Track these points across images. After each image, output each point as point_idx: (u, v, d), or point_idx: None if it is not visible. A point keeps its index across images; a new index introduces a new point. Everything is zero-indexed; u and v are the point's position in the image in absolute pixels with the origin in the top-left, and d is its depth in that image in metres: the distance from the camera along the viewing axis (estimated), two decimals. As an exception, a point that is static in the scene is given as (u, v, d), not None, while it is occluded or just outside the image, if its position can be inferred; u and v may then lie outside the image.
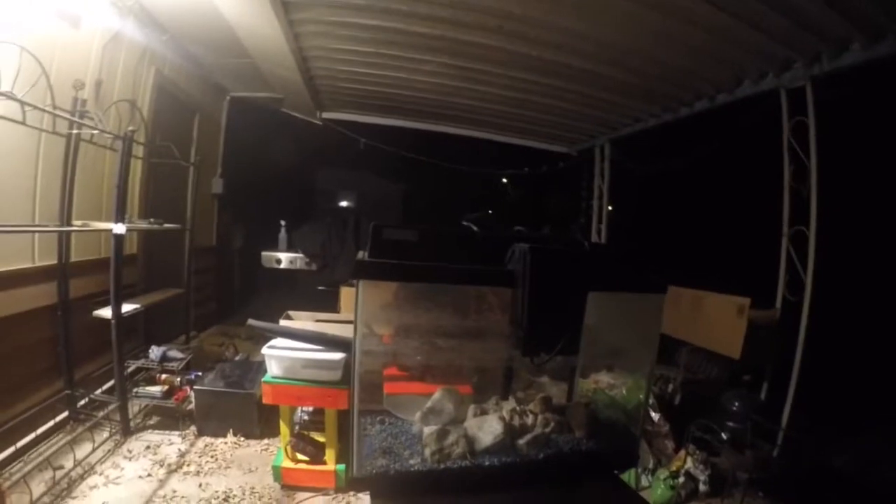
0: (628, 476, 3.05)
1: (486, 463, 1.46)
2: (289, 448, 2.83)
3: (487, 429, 1.56)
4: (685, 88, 4.00)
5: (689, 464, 3.00)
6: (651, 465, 3.13)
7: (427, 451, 1.45)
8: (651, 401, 3.40)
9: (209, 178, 5.95)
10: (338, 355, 2.68)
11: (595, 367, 2.22)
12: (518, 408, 1.71)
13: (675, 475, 2.95)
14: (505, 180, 7.98)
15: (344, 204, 7.57)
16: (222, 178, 6.15)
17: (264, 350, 2.76)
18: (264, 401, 2.82)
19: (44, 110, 2.55)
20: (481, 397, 1.75)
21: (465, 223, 1.61)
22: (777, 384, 3.29)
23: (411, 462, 1.44)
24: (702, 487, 2.95)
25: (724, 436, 2.91)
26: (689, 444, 3.05)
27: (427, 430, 1.53)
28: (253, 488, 2.75)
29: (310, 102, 5.63)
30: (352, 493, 2.63)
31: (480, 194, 7.78)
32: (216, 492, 2.67)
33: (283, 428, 2.91)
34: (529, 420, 1.67)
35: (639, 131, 5.06)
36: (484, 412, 1.67)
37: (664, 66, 3.62)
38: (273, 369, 2.77)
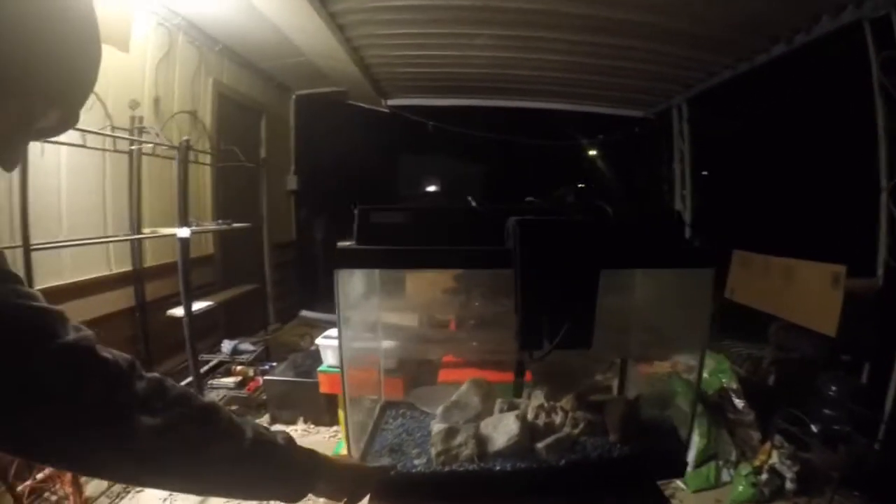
0: (707, 470, 2.78)
1: (497, 468, 1.33)
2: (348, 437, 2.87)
3: (502, 429, 1.42)
4: (759, 33, 3.53)
5: (775, 458, 2.66)
6: (733, 458, 2.83)
7: (433, 452, 1.36)
8: (734, 385, 3.07)
9: (283, 176, 6.21)
10: (387, 343, 2.66)
11: (650, 354, 1.98)
12: (546, 405, 1.54)
13: (758, 471, 2.64)
14: (593, 152, 7.60)
15: (431, 189, 7.62)
16: (296, 174, 6.38)
17: (318, 340, 2.81)
18: (321, 390, 2.88)
19: (98, 133, 2.75)
20: (543, 389, 1.58)
21: (527, 199, 1.43)
22: (880, 366, 2.81)
23: (416, 462, 1.35)
24: (788, 485, 2.61)
25: (813, 428, 2.55)
26: (776, 437, 2.71)
27: (435, 427, 1.43)
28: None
29: (372, 91, 5.67)
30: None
31: (568, 169, 7.46)
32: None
33: (342, 416, 2.95)
34: (558, 419, 1.50)
35: (715, 86, 4.56)
36: (512, 408, 1.54)
37: (733, 9, 3.20)
38: (328, 359, 2.81)
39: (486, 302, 1.60)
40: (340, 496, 1.05)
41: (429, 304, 1.97)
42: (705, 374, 3.11)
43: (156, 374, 0.73)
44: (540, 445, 1.39)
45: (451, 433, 1.40)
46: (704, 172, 5.65)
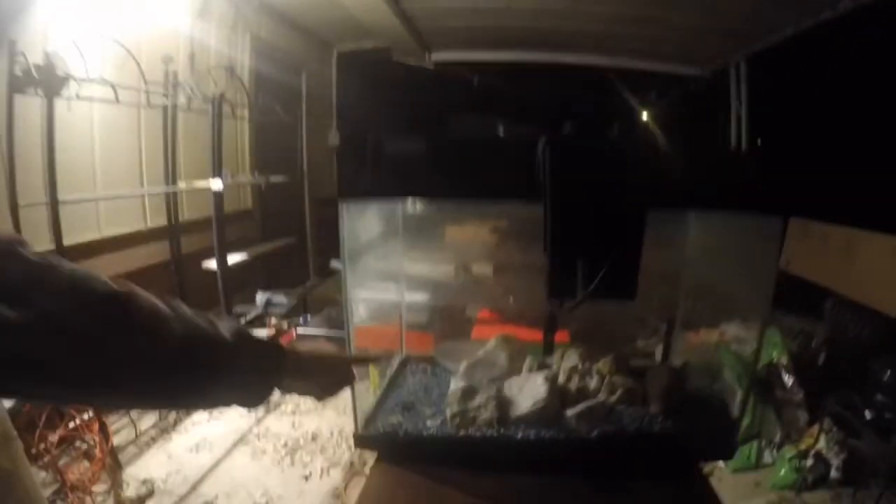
0: (749, 450, 2.63)
1: (519, 435, 1.21)
2: (377, 390, 2.86)
3: (528, 391, 1.30)
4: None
5: (822, 443, 2.48)
6: (777, 439, 2.66)
7: (448, 413, 1.26)
8: (785, 361, 2.87)
9: (326, 132, 6.16)
10: (422, 296, 2.59)
11: (706, 318, 1.81)
12: (581, 367, 1.41)
13: (803, 455, 2.46)
14: (646, 113, 7.22)
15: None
16: (338, 130, 6.32)
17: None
18: (357, 345, 2.85)
19: (130, 87, 2.74)
20: (578, 349, 1.44)
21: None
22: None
23: (428, 423, 1.27)
24: (833, 473, 2.43)
25: (867, 415, 2.35)
26: (825, 420, 2.53)
27: (453, 385, 1.34)
28: (342, 430, 2.84)
29: (416, 46, 5.49)
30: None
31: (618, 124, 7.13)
32: (306, 431, 2.81)
33: (373, 371, 2.94)
34: (593, 384, 1.37)
35: (776, 44, 4.18)
36: (543, 368, 1.42)
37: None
38: (360, 313, 2.77)
39: (528, 253, 1.46)
40: (311, 390, 0.86)
41: (466, 255, 1.85)
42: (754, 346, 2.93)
43: (48, 257, 0.56)
44: (570, 413, 1.26)
45: (469, 393, 1.30)
46: (761, 135, 5.25)
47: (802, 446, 2.53)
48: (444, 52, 5.83)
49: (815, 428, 2.54)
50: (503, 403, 1.30)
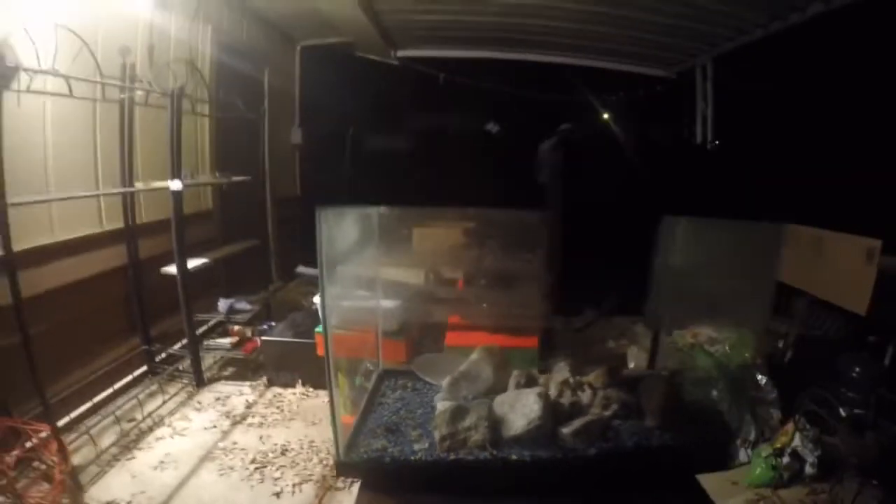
0: (724, 449, 2.65)
1: (513, 457, 1.15)
2: (347, 402, 2.76)
3: (521, 408, 1.25)
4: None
5: (797, 441, 2.51)
6: (752, 438, 2.69)
7: (436, 435, 1.19)
8: (758, 360, 2.91)
9: (288, 130, 5.97)
10: (393, 303, 2.50)
11: (686, 319, 1.79)
12: (572, 380, 1.37)
13: (778, 453, 2.49)
14: (612, 111, 7.29)
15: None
16: (301, 127, 6.14)
17: (316, 299, 2.65)
18: (318, 352, 2.75)
19: (85, 80, 2.54)
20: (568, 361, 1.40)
21: (563, 127, 1.20)
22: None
23: (415, 447, 1.19)
24: (808, 470, 2.47)
25: (842, 412, 2.39)
26: (799, 418, 2.56)
27: (440, 406, 1.27)
28: (312, 442, 2.72)
29: (381, 42, 5.38)
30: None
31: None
32: (275, 444, 2.68)
33: (342, 379, 2.84)
34: (585, 397, 1.33)
35: (744, 45, 4.27)
36: (532, 382, 1.37)
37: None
38: (330, 319, 2.66)
39: (502, 257, 1.43)
40: None
41: (435, 259, 1.80)
42: (727, 348, 2.95)
43: None
44: (565, 430, 1.22)
45: (458, 413, 1.24)
46: (729, 136, 5.35)
47: (777, 444, 2.55)
48: (410, 49, 5.75)
49: (790, 426, 2.57)
50: (495, 423, 1.24)
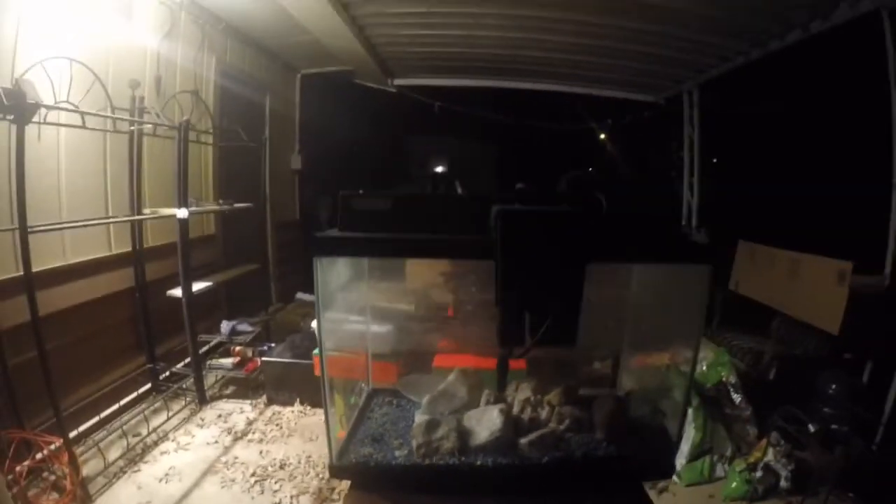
0: (701, 464, 2.77)
1: (478, 462, 1.31)
2: (343, 419, 2.89)
3: (486, 422, 1.40)
4: (774, 17, 3.42)
5: (770, 456, 2.63)
6: (729, 453, 2.81)
7: (413, 444, 1.35)
8: (733, 379, 3.04)
9: (288, 156, 6.18)
10: (385, 328, 2.65)
11: (647, 347, 1.93)
12: (533, 398, 1.52)
13: (753, 467, 2.61)
14: (603, 136, 7.50)
15: (439, 169, 7.58)
16: (300, 153, 6.35)
17: (314, 323, 2.81)
18: (316, 373, 2.88)
19: (97, 115, 2.70)
20: (531, 382, 1.56)
21: (517, 187, 1.39)
22: (883, 366, 2.75)
23: (396, 454, 1.34)
24: (783, 483, 2.58)
25: (811, 427, 2.51)
26: (772, 434, 2.68)
27: (417, 419, 1.43)
28: (309, 457, 2.86)
29: (378, 71, 5.60)
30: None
31: (577, 152, 7.37)
32: (274, 459, 2.81)
33: (338, 399, 2.97)
34: (544, 413, 1.48)
35: (727, 72, 4.45)
36: (499, 400, 1.52)
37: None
38: (326, 343, 2.81)
39: (484, 287, 1.57)
40: None
41: (425, 289, 1.95)
42: (704, 367, 3.08)
43: None
44: (523, 441, 1.37)
45: (432, 425, 1.39)
46: (714, 160, 5.55)
47: (752, 459, 2.68)
48: (405, 77, 5.98)
49: (764, 441, 2.69)
50: (463, 434, 1.38)
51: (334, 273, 1.45)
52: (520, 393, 1.56)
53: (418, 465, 1.31)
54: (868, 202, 3.10)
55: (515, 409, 1.47)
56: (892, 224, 2.83)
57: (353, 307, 1.78)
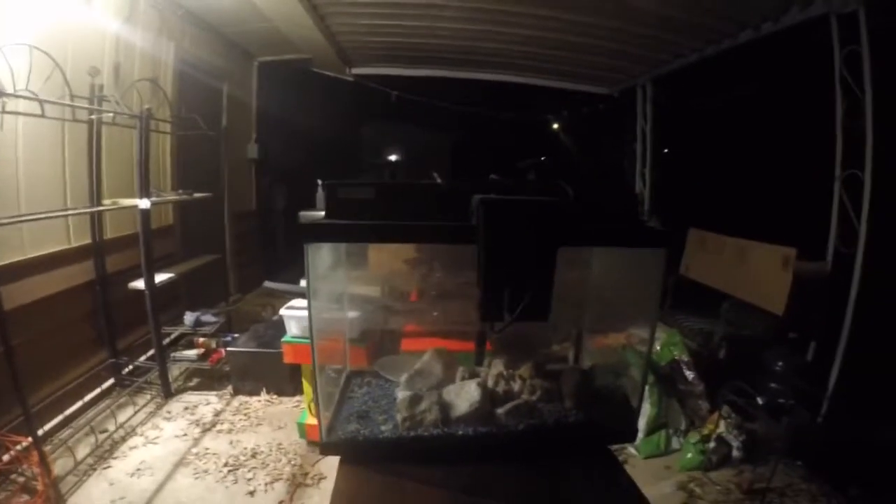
0: (658, 438, 2.94)
1: (459, 432, 1.40)
2: (311, 405, 2.92)
3: (465, 395, 1.49)
4: (728, 18, 3.62)
5: (722, 428, 2.83)
6: (683, 427, 3.00)
7: (399, 417, 1.42)
8: (685, 358, 3.23)
9: (244, 145, 6.08)
10: (352, 313, 2.69)
11: (605, 326, 2.06)
12: (505, 373, 1.62)
13: (706, 439, 2.80)
14: (556, 126, 7.69)
15: (393, 158, 7.59)
16: (257, 142, 6.25)
17: (282, 311, 2.82)
18: (285, 360, 2.90)
19: (57, 103, 2.62)
20: (502, 358, 1.66)
21: (491, 177, 1.48)
22: (826, 345, 2.99)
23: (382, 429, 1.41)
24: (735, 453, 2.79)
25: (759, 400, 2.72)
26: (723, 408, 2.88)
27: (401, 395, 1.50)
28: (280, 444, 2.87)
29: (337, 60, 5.58)
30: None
31: (532, 142, 7.53)
32: (245, 448, 2.82)
33: (307, 386, 2.99)
34: (516, 386, 1.58)
35: (680, 68, 4.65)
36: (473, 376, 1.61)
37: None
38: (292, 329, 2.82)
39: (448, 273, 1.66)
40: None
41: (391, 275, 2.02)
42: (658, 347, 3.27)
43: None
44: (500, 411, 1.47)
45: (415, 400, 1.46)
46: (665, 150, 5.80)
47: (705, 431, 2.88)
48: (364, 66, 5.98)
49: (716, 415, 2.89)
50: (444, 407, 1.47)
51: (319, 260, 1.50)
52: (493, 368, 1.66)
53: (404, 437, 1.38)
54: (812, 193, 3.32)
55: (490, 383, 1.57)
56: (833, 213, 3.03)
57: (331, 294, 1.82)
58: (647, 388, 2.92)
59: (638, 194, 5.58)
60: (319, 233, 1.27)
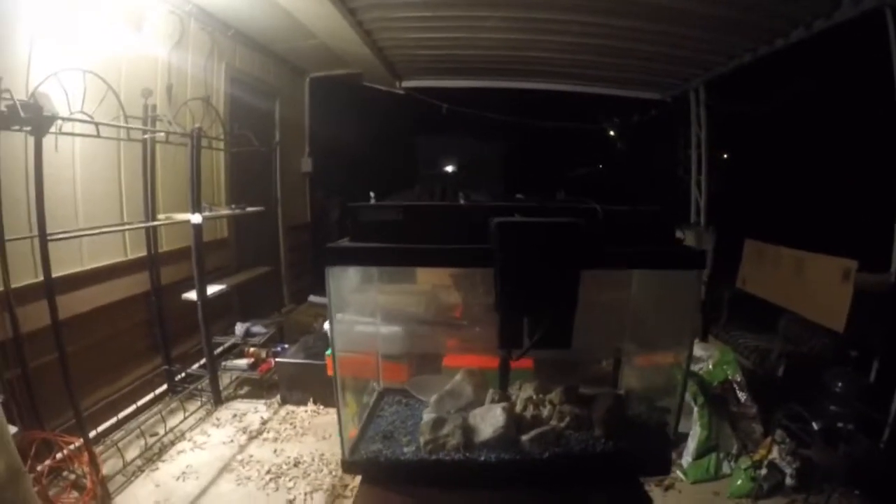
0: (707, 462, 2.79)
1: (482, 458, 1.36)
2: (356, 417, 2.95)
3: (490, 420, 1.46)
4: (778, 16, 3.43)
5: (775, 454, 2.66)
6: (735, 451, 2.83)
7: (421, 440, 1.41)
8: (739, 378, 3.06)
9: (298, 158, 6.27)
10: (395, 329, 2.71)
11: (645, 347, 1.98)
12: (535, 397, 1.57)
13: (758, 465, 2.63)
14: (612, 133, 7.53)
15: (449, 169, 7.65)
16: (310, 156, 6.43)
17: (326, 325, 2.88)
18: (328, 373, 2.95)
19: (111, 125, 2.78)
20: (533, 382, 1.62)
21: (517, 197, 1.46)
22: (889, 365, 2.75)
23: (405, 450, 1.40)
24: (788, 481, 2.60)
25: (815, 425, 2.53)
26: (777, 432, 2.70)
27: (426, 416, 1.48)
28: (322, 455, 2.92)
29: (386, 73, 5.68)
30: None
31: (585, 150, 7.39)
32: (288, 457, 2.88)
33: (351, 401, 3.03)
34: (546, 412, 1.53)
35: (734, 70, 4.45)
36: (504, 398, 1.57)
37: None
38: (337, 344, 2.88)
39: (489, 289, 1.63)
40: None
41: (434, 291, 2.01)
42: (710, 366, 3.11)
43: None
44: (525, 438, 1.42)
45: (438, 423, 1.45)
46: (725, 156, 5.55)
47: (757, 457, 2.71)
48: (413, 79, 6.04)
49: (769, 440, 2.71)
50: (468, 431, 1.44)
51: (346, 278, 1.51)
52: (523, 392, 1.61)
53: (425, 460, 1.37)
54: (875, 200, 3.09)
55: (518, 408, 1.53)
56: (896, 223, 2.82)
57: (363, 310, 1.84)
58: (697, 409, 2.79)
59: (670, 210, 5.34)
60: (339, 256, 1.28)
